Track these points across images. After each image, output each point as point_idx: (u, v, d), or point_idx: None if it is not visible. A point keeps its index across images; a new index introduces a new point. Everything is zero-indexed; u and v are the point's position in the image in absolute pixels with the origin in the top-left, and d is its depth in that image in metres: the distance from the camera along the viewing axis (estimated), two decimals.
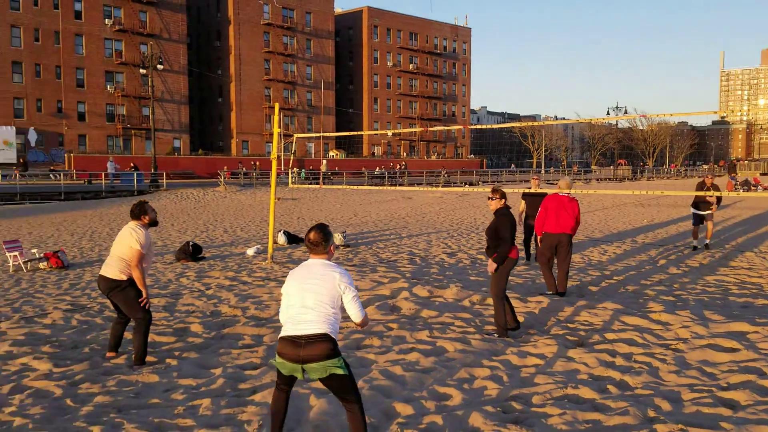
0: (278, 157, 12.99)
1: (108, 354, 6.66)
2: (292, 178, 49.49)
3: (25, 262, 12.46)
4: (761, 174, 71.24)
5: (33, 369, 6.30)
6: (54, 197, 33.09)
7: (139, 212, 6.40)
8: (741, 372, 5.92)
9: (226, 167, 49.83)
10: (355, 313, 4.17)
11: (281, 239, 15.83)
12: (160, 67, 40.97)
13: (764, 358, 6.30)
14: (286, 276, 11.20)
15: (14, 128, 57.75)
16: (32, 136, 59.48)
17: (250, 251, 14.21)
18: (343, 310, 4.19)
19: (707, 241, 14.96)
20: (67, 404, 5.34)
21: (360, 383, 5.65)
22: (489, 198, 7.41)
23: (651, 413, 4.94)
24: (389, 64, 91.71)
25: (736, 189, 37.99)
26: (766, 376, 5.79)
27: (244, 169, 51.40)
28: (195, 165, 58.75)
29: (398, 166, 66.81)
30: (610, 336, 7.20)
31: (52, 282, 11.13)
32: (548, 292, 9.49)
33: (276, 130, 12.56)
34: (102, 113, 64.19)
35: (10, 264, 12.45)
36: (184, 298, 9.50)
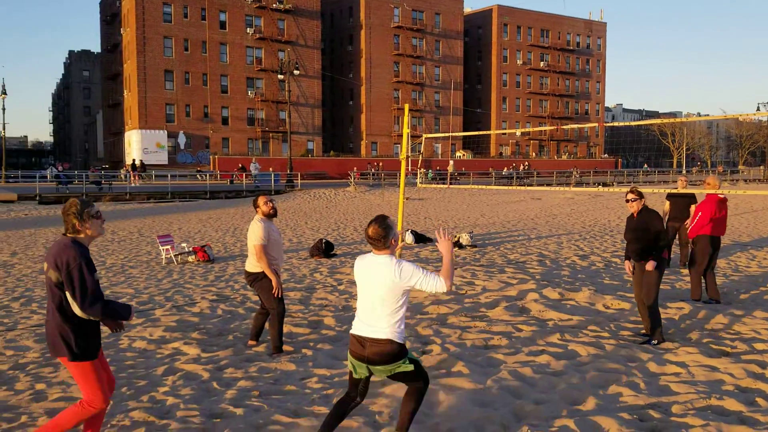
0: (407, 157, 13.18)
1: (249, 342, 7.09)
2: (420, 178, 49.98)
3: (175, 255, 13.52)
4: None
5: (183, 353, 6.84)
6: (200, 196, 35.56)
7: (254, 206, 6.74)
8: None
9: (355, 168, 51.18)
10: (433, 288, 3.93)
11: (409, 238, 16.05)
12: (296, 72, 42.86)
13: None
14: None
15: (166, 132, 62.61)
16: (181, 140, 64.18)
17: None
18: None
19: None
20: (214, 387, 5.76)
21: (489, 382, 5.64)
22: (628, 200, 7.10)
23: None
24: (519, 62, 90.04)
25: None
26: None
27: (374, 169, 52.52)
28: (327, 166, 60.82)
29: (522, 167, 65.38)
30: (759, 346, 6.70)
31: (199, 274, 11.99)
32: (693, 299, 8.95)
33: (405, 131, 12.76)
34: (243, 117, 68.04)
35: (163, 257, 13.56)
36: (317, 293, 9.90)
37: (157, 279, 11.50)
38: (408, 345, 6.91)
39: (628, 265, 7.33)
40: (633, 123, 9.90)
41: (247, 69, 67.65)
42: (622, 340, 7.06)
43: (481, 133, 12.30)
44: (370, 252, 4.14)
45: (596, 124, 10.84)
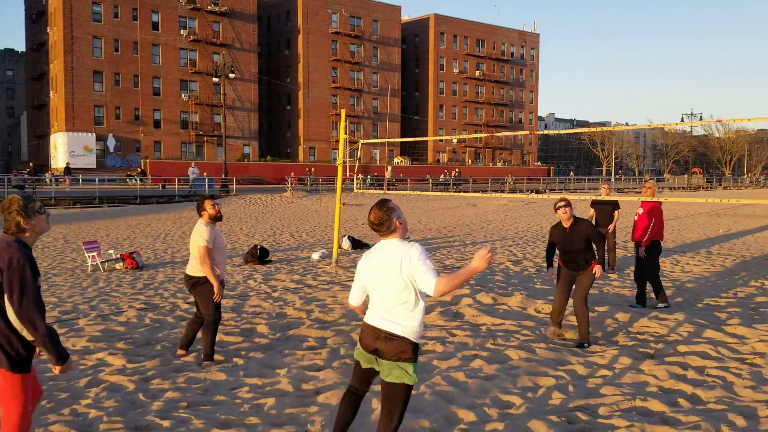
0: (343, 163, 13.14)
1: (179, 351, 6.88)
2: (357, 184, 49.93)
3: (102, 263, 13.03)
4: None
5: (108, 364, 6.58)
6: (130, 201, 34.50)
7: (198, 209, 6.65)
8: None
9: (293, 173, 50.76)
10: (424, 284, 3.58)
11: (346, 244, 16.00)
12: (231, 75, 42.23)
13: None
14: (350, 280, 11.31)
15: (94, 135, 60.51)
16: (111, 143, 62.15)
17: (315, 255, 14.42)
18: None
19: None
20: (139, 398, 5.55)
21: (422, 388, 5.64)
22: (559, 208, 7.15)
23: (725, 429, 4.73)
24: (455, 71, 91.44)
25: None
26: None
27: (311, 174, 52.24)
28: (263, 171, 60.10)
29: (453, 173, 66.10)
30: (682, 348, 6.95)
31: (127, 282, 11.60)
32: (663, 303, 9.18)
33: (342, 136, 12.72)
34: (176, 120, 66.49)
35: (89, 264, 13.05)
36: (251, 300, 9.72)
37: (81, 287, 11.05)
38: (342, 351, 6.88)
39: (552, 273, 7.50)
40: (563, 132, 10.16)
41: (181, 71, 66.20)
42: (552, 343, 7.20)
43: (418, 139, 12.39)
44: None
45: (528, 132, 11.07)
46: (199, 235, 6.43)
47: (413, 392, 5.46)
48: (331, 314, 8.70)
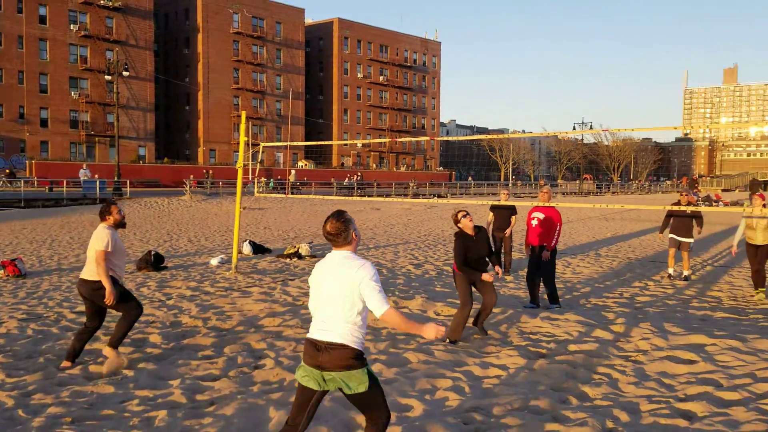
0: (244, 166, 12.87)
1: (63, 364, 6.50)
2: (259, 187, 49.13)
3: None
4: (722, 190, 72.99)
5: None
6: (14, 205, 32.30)
7: (103, 213, 6.58)
8: (698, 383, 6.01)
9: (192, 176, 49.29)
10: (374, 307, 3.59)
11: (246, 249, 15.67)
12: (125, 73, 40.48)
13: (721, 370, 6.41)
14: (249, 286, 11.08)
15: None
16: None
17: (214, 261, 14.02)
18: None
19: (685, 273, 12.59)
20: (19, 415, 5.18)
21: None
22: (465, 216, 7.47)
23: (609, 424, 4.97)
24: (359, 75, 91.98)
25: (698, 204, 38.82)
26: (722, 388, 5.88)
27: (210, 177, 50.91)
28: (160, 173, 57.97)
29: (354, 177, 66.30)
30: (572, 348, 7.26)
31: (7, 290, 10.82)
32: (554, 303, 9.53)
33: (243, 139, 12.46)
34: (65, 120, 63.05)
35: None
36: (143, 308, 9.30)
37: None
38: (240, 360, 6.71)
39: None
40: (462, 138, 10.40)
41: (71, 68, 62.87)
42: (450, 345, 7.33)
43: (320, 143, 12.33)
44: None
45: (429, 138, 11.26)
46: (99, 239, 6.39)
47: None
48: (229, 321, 8.47)
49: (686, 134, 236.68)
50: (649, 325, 8.16)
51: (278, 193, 46.10)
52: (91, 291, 6.44)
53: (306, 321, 8.48)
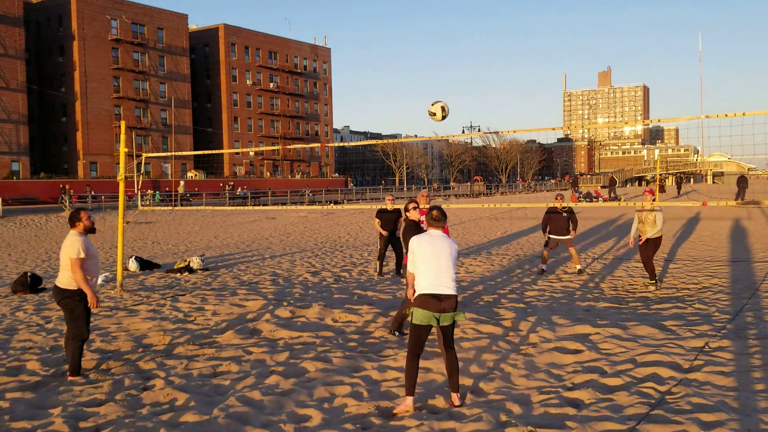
0: (126, 178, 12.29)
1: (72, 379, 6.46)
2: (145, 200, 47.13)
3: None
4: (601, 187, 77.36)
5: None
6: None
7: (73, 220, 6.67)
8: (584, 372, 6.30)
9: (72, 190, 46.59)
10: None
11: (132, 265, 14.96)
12: None
13: (605, 357, 6.76)
14: (136, 305, 10.58)
15: None
16: None
17: (98, 280, 13.26)
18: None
19: (578, 267, 13.17)
20: None
21: (215, 412, 5.40)
22: (414, 209, 8.01)
23: (503, 417, 5.11)
24: (249, 82, 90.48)
25: (579, 201, 40.99)
26: (607, 375, 6.20)
27: (91, 192, 48.33)
28: (37, 189, 54.44)
29: (240, 189, 64.27)
30: (465, 345, 7.42)
31: None
32: None
33: (123, 150, 11.90)
34: None
35: None
36: (19, 334, 8.66)
37: None
38: (127, 382, 6.36)
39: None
40: (355, 143, 10.43)
41: None
42: (347, 351, 7.30)
43: (208, 152, 11.98)
44: None
45: (321, 145, 11.21)
46: (72, 246, 6.47)
47: (206, 417, 5.21)
48: (114, 343, 8.03)
49: (567, 135, 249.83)
50: (537, 318, 8.49)
51: (166, 206, 44.41)
52: (62, 299, 6.55)
53: (197, 337, 8.19)
